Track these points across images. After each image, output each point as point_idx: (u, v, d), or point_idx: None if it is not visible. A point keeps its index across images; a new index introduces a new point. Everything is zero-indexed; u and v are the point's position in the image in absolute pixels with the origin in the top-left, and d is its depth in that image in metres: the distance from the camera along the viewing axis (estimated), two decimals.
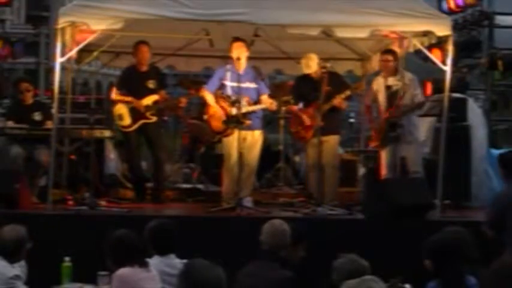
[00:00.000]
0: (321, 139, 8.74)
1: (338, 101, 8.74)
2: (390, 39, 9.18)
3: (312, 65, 8.82)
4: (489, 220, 6.53)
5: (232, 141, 8.58)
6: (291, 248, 5.41)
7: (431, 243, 4.77)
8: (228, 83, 8.67)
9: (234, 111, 8.47)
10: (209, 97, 8.73)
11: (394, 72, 8.85)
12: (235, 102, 8.48)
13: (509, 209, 6.29)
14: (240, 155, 8.42)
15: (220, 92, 8.69)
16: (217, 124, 8.70)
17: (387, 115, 8.77)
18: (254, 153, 8.70)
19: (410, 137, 8.86)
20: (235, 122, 8.46)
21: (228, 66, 8.72)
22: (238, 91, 8.50)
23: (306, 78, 9.01)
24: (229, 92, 8.64)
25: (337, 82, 8.90)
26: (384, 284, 3.44)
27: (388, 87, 8.84)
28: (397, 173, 8.73)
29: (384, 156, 8.90)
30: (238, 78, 8.54)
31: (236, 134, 8.47)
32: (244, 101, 8.50)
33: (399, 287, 4.52)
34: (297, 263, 5.42)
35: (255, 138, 8.67)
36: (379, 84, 8.96)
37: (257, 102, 8.69)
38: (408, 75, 8.91)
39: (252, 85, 8.69)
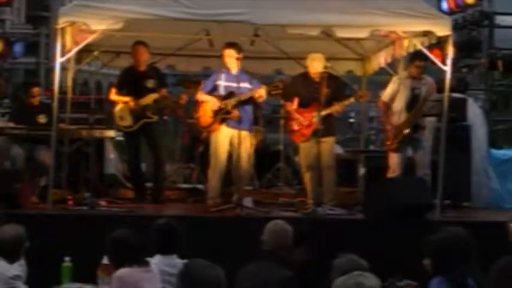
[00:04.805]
0: (318, 140, 8.71)
1: (336, 108, 8.65)
2: (390, 39, 9.19)
3: (314, 66, 8.62)
4: None
5: (219, 140, 8.54)
6: (293, 251, 5.39)
7: (431, 242, 4.75)
8: (222, 83, 8.64)
9: (223, 104, 8.49)
10: (202, 95, 8.70)
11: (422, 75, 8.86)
12: (226, 97, 8.49)
13: None
14: (229, 155, 8.46)
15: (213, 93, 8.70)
16: (205, 119, 8.67)
17: (409, 117, 8.72)
18: (245, 154, 8.51)
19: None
20: (223, 113, 8.45)
21: (224, 69, 8.70)
22: (232, 90, 8.51)
23: (305, 77, 8.78)
24: (222, 92, 8.62)
25: (336, 85, 8.78)
26: (377, 279, 3.42)
27: (412, 89, 8.80)
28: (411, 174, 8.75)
29: (396, 156, 8.85)
30: (233, 78, 8.55)
31: (223, 131, 8.48)
32: (235, 96, 8.49)
33: (397, 287, 4.51)
34: (298, 265, 5.41)
35: (242, 137, 8.41)
36: (403, 84, 8.83)
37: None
38: (429, 79, 8.90)
39: (247, 85, 8.61)
